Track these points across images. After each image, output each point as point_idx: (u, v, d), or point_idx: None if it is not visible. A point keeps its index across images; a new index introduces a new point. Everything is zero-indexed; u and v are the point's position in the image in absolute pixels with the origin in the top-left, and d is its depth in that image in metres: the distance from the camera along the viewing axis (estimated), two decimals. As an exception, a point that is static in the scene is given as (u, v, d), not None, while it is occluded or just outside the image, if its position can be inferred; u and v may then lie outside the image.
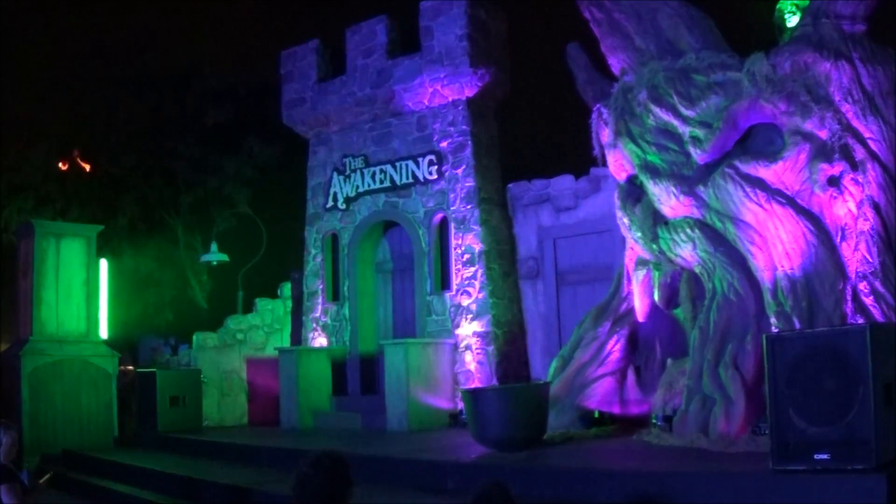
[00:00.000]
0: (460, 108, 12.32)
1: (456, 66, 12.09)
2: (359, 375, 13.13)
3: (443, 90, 12.34)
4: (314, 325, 13.70)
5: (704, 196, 8.18)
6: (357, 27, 13.36)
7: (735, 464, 6.40)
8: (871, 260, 7.63)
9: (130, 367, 15.11)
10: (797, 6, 9.06)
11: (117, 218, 20.52)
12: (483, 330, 11.80)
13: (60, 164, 15.79)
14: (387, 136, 13.09)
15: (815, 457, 5.47)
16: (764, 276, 7.86)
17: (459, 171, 12.24)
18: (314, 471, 3.60)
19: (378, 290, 13.64)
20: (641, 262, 9.16)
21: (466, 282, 12.07)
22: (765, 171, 7.85)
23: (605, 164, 9.57)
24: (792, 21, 9.02)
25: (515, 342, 12.10)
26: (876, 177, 7.83)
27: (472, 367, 11.80)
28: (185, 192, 21.27)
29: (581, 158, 10.81)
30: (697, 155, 8.30)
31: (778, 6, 9.28)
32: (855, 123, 7.89)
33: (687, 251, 8.38)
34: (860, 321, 7.34)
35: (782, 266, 7.73)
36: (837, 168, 7.67)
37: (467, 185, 12.17)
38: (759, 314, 7.90)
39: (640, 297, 9.25)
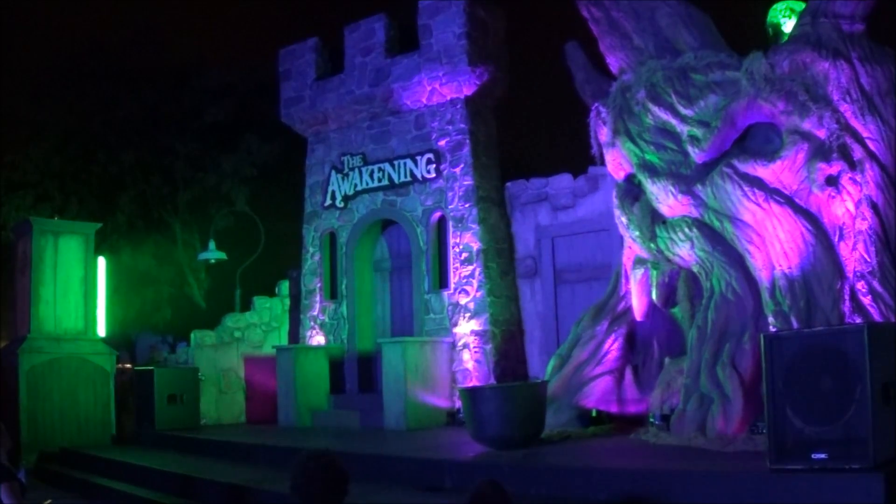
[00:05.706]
0: (458, 106, 12.31)
1: (454, 65, 12.08)
2: (356, 374, 13.13)
3: (441, 88, 12.33)
4: (312, 323, 13.69)
5: (702, 195, 8.18)
6: (356, 25, 13.34)
7: (733, 463, 6.40)
8: (868, 259, 7.63)
9: (128, 365, 15.09)
10: (792, 10, 9.05)
11: (115, 216, 20.48)
12: (481, 328, 11.80)
13: None
14: (385, 135, 13.09)
15: (813, 456, 5.47)
16: (762, 276, 7.86)
17: (458, 169, 12.24)
18: (304, 478, 3.60)
19: (376, 288, 13.63)
20: (639, 261, 9.16)
21: (464, 280, 12.06)
22: (763, 171, 7.85)
23: (603, 162, 9.57)
24: (787, 25, 9.00)
25: (513, 341, 12.11)
26: (874, 176, 7.83)
27: (470, 365, 11.80)
28: (183, 189, 21.23)
29: (579, 157, 10.82)
30: (696, 154, 8.30)
31: (771, 14, 9.25)
32: (853, 123, 7.89)
33: (685, 250, 8.39)
34: (858, 321, 7.33)
35: (780, 265, 7.74)
36: (836, 167, 7.67)
37: (465, 183, 12.16)
38: (757, 313, 7.90)
39: (637, 296, 9.25)
